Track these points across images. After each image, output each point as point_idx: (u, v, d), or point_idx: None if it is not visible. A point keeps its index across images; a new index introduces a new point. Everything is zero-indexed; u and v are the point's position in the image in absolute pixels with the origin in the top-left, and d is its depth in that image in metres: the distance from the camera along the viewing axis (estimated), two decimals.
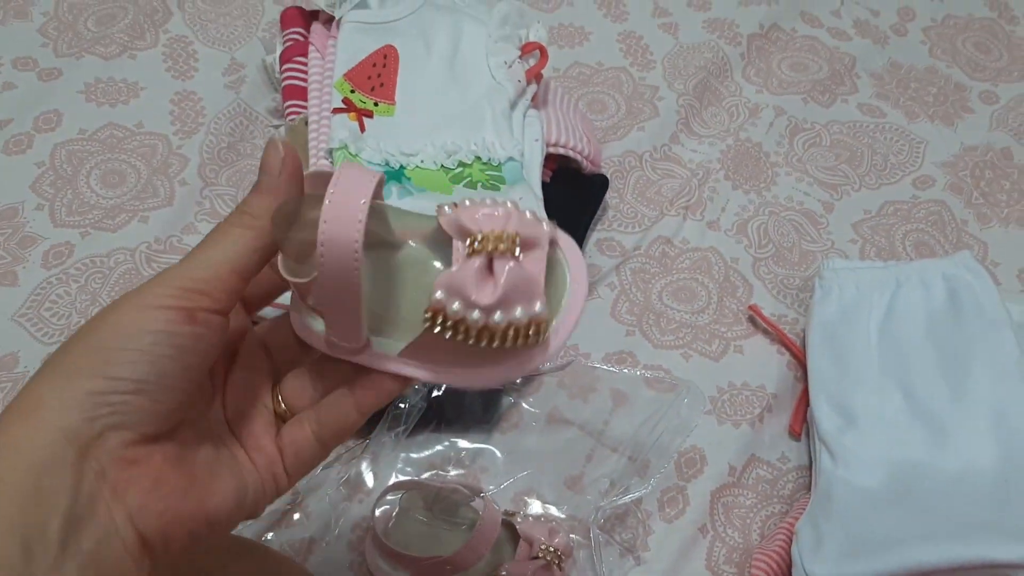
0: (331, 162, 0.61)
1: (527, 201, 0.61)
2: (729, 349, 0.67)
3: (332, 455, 0.60)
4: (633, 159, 0.79)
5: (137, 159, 0.75)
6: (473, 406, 0.61)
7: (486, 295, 0.33)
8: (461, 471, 0.60)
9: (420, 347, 0.36)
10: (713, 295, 0.70)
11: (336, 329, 0.35)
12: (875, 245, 0.74)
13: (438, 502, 0.57)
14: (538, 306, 0.34)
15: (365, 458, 0.59)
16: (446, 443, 0.61)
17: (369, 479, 0.59)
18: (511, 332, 0.34)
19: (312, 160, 0.62)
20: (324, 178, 0.34)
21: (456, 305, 0.33)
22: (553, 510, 0.58)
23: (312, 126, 0.64)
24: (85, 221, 0.71)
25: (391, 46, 0.68)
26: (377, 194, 0.35)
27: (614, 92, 0.84)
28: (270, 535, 0.57)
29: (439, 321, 0.34)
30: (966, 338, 0.60)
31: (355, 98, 0.65)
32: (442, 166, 0.64)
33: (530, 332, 0.34)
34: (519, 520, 0.55)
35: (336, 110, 0.64)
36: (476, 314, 0.33)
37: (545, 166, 0.72)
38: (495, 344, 0.34)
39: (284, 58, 0.70)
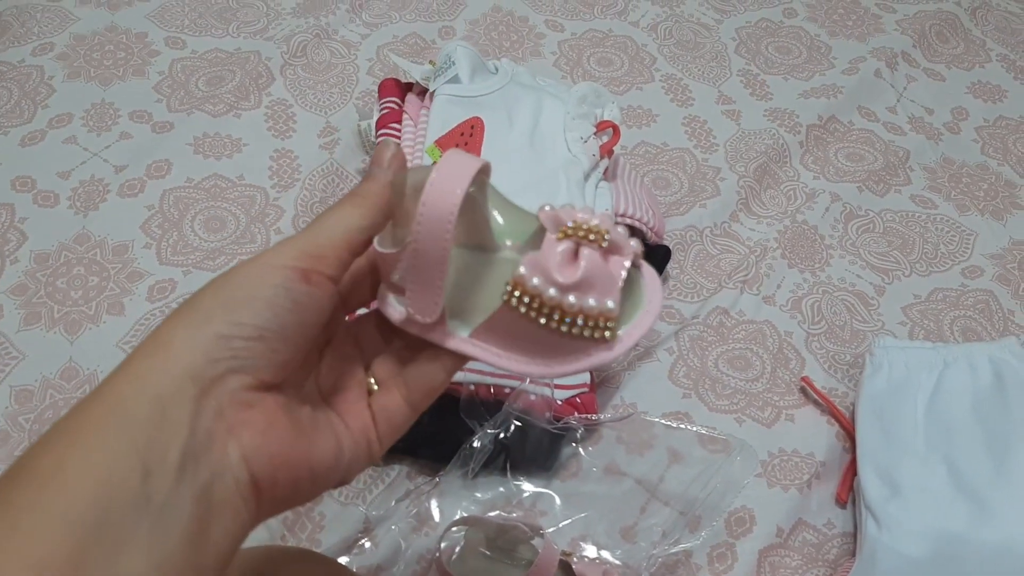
0: None
1: None
2: (781, 417, 0.70)
3: (402, 490, 0.65)
4: (694, 233, 0.84)
5: (237, 208, 0.82)
6: (536, 452, 0.65)
7: (566, 275, 0.35)
8: (521, 513, 0.64)
9: (490, 330, 0.38)
10: (767, 365, 0.74)
11: (416, 301, 0.37)
12: (924, 328, 0.78)
13: (500, 538, 0.61)
14: (611, 302, 0.36)
15: (434, 495, 0.63)
16: (509, 485, 0.64)
17: (436, 514, 0.63)
18: (580, 319, 0.36)
19: None
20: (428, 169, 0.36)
21: (536, 280, 0.35)
22: (607, 555, 0.61)
23: None
24: (188, 261, 0.77)
25: (478, 118, 0.75)
26: (483, 182, 0.37)
27: (678, 171, 0.90)
28: (344, 559, 0.61)
29: (516, 294, 0.36)
30: (1010, 419, 0.63)
31: None
32: None
33: (598, 324, 0.36)
34: (575, 560, 0.59)
35: None
36: (553, 291, 0.35)
37: None
38: (563, 328, 0.36)
39: (380, 124, 0.76)
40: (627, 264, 0.37)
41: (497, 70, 0.80)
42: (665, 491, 0.65)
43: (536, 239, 0.40)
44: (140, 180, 0.83)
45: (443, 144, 0.73)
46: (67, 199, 0.80)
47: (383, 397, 0.41)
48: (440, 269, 0.36)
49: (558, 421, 0.65)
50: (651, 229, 0.77)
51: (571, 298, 0.36)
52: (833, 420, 0.70)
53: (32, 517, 0.28)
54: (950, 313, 0.79)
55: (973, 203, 0.89)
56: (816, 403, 0.71)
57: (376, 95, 0.81)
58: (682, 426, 0.66)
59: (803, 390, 0.72)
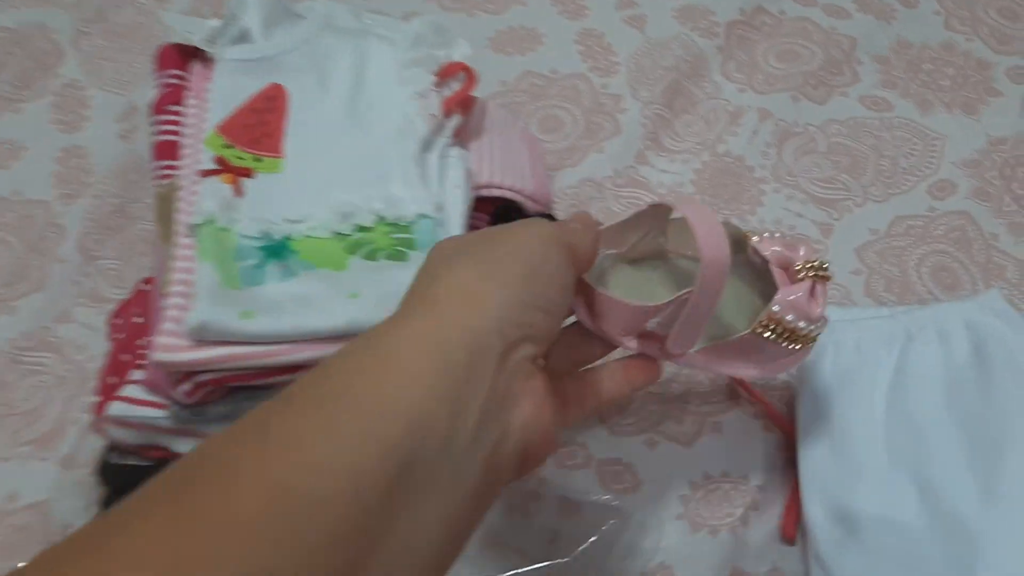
0: (195, 241, 0.50)
1: None
2: (704, 428, 0.55)
3: None
4: (591, 188, 0.67)
5: (12, 234, 0.65)
6: None
7: (813, 311, 0.43)
8: None
9: (723, 347, 0.44)
10: None
11: (677, 341, 0.42)
12: (883, 276, 0.62)
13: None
14: (823, 322, 0.44)
15: None
16: None
17: None
18: (806, 337, 0.44)
19: (177, 240, 0.51)
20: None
21: (791, 316, 0.42)
22: None
23: (181, 193, 0.53)
24: None
25: (278, 85, 0.57)
26: None
27: (571, 105, 0.72)
28: None
29: (770, 327, 0.43)
30: (998, 410, 0.47)
31: (230, 155, 0.54)
32: (336, 233, 0.52)
33: (813, 338, 0.44)
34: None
35: (205, 172, 0.53)
36: (803, 324, 0.43)
37: (481, 210, 0.61)
38: (793, 346, 0.44)
39: (157, 108, 0.58)
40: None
41: (306, 14, 0.62)
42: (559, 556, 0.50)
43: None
44: None
45: (229, 130, 0.55)
46: None
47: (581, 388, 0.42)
48: (709, 317, 0.41)
49: None
50: (530, 197, 0.61)
51: (810, 326, 0.43)
52: (772, 424, 0.55)
53: (349, 432, 0.27)
54: (917, 249, 0.63)
55: (938, 96, 0.72)
56: (750, 402, 0.56)
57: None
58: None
59: (732, 386, 0.56)
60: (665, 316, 0.41)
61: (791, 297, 0.42)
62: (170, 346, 0.46)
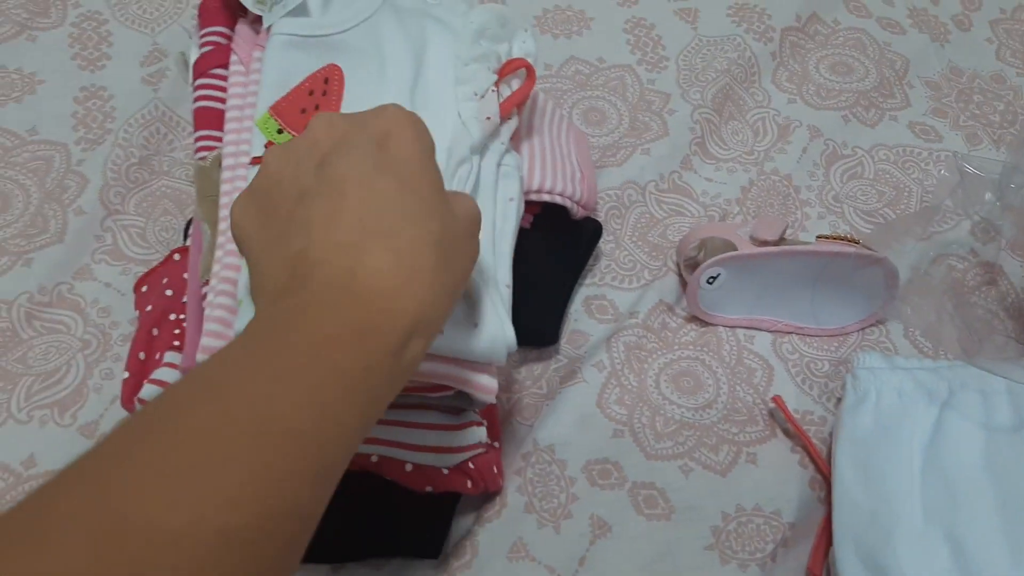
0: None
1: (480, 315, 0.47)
2: (740, 458, 0.55)
3: None
4: (634, 191, 0.65)
5: (27, 177, 0.61)
6: (416, 534, 0.50)
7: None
8: None
9: None
10: (722, 382, 0.58)
11: None
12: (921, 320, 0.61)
13: None
14: None
15: None
16: None
17: None
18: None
19: (223, 227, 0.48)
20: None
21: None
22: None
23: (226, 174, 0.50)
24: None
25: (335, 66, 0.54)
26: None
27: (616, 99, 0.70)
28: None
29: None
30: None
31: (284, 141, 0.51)
32: None
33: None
34: None
35: (255, 160, 0.50)
36: None
37: (526, 211, 0.59)
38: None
39: (199, 69, 0.55)
40: None
41: None
42: None
43: None
44: None
45: (283, 112, 0.52)
46: None
47: None
48: None
49: (440, 497, 0.49)
50: (577, 203, 0.59)
51: None
52: (808, 459, 0.55)
53: None
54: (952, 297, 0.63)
55: (987, 131, 0.71)
56: (786, 433, 0.56)
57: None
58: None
59: (772, 414, 0.56)
60: None
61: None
62: (213, 349, 0.44)
